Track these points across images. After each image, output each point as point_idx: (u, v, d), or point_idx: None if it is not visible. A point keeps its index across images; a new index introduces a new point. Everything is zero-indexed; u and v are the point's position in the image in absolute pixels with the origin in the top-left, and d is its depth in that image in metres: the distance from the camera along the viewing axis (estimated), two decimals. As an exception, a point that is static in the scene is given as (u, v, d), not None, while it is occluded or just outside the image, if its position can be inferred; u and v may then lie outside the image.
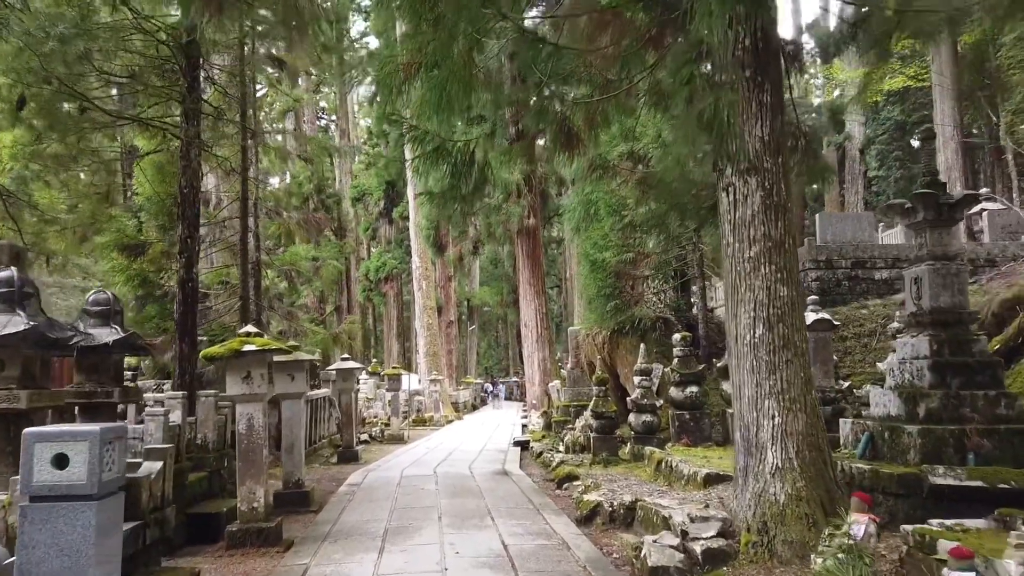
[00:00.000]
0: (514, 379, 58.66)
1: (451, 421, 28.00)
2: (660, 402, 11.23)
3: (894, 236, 16.14)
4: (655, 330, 12.94)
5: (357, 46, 51.54)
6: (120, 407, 7.26)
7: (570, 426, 13.70)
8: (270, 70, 13.03)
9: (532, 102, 7.58)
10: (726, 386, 11.20)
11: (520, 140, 25.64)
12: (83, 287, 21.24)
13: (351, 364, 14.38)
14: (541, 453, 13.41)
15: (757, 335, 5.89)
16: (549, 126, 7.49)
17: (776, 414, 5.80)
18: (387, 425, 22.22)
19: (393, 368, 20.88)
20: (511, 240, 30.33)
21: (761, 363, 5.88)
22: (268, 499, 6.88)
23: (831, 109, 11.24)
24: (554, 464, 11.83)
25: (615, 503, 7.58)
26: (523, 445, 16.35)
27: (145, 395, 9.46)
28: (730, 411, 11.45)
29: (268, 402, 10.45)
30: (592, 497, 8.01)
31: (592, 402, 11.50)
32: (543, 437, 15.38)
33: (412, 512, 8.15)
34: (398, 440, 19.35)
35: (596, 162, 13.15)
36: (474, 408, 40.31)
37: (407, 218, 34.05)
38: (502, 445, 16.93)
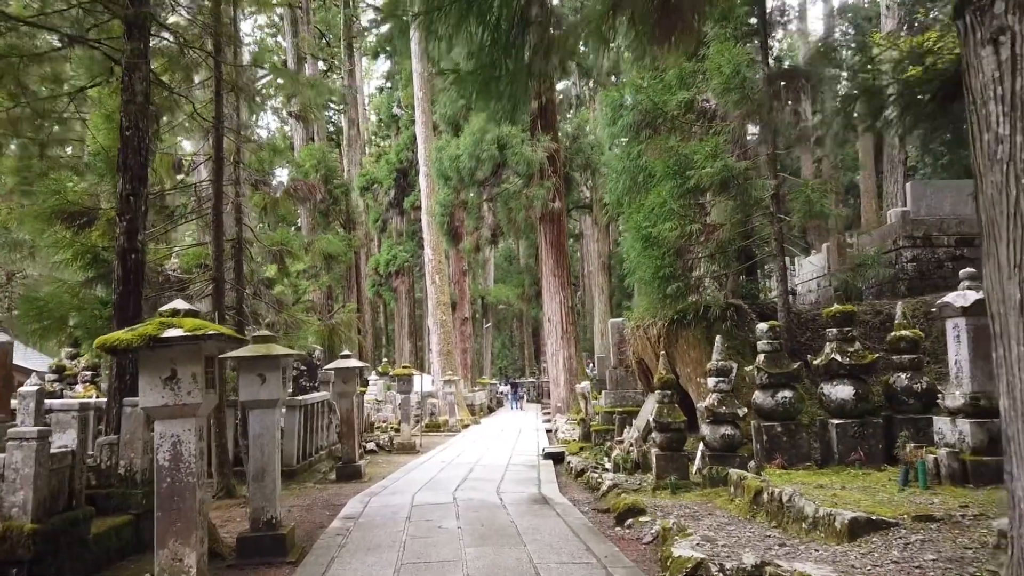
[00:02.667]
0: (531, 379, 56.28)
1: (467, 426, 25.59)
2: (743, 410, 8.73)
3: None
4: (724, 320, 10.44)
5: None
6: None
7: (617, 438, 11.25)
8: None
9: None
10: (829, 389, 8.71)
11: (544, 113, 23.23)
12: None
13: (352, 363, 11.98)
14: (583, 471, 10.95)
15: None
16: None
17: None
18: (396, 431, 19.83)
19: (403, 368, 18.49)
20: (533, 227, 27.91)
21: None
22: (203, 566, 4.44)
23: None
24: (604, 488, 9.36)
25: (728, 566, 5.08)
26: (555, 458, 13.90)
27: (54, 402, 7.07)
28: (834, 422, 8.97)
29: (218, 410, 8.12)
30: (685, 551, 5.52)
31: (654, 410, 9.02)
32: (581, 449, 12.92)
33: (426, 573, 5.72)
34: (409, 449, 16.95)
35: (650, 115, 10.69)
36: (490, 411, 37.87)
37: (419, 208, 31.68)
38: (530, 457, 14.48)
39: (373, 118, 54.07)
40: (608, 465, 10.90)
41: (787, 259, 13.77)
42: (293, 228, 35.59)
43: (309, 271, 37.07)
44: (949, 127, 5.45)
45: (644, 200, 11.87)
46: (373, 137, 54.92)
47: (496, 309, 59.64)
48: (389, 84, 44.75)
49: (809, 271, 16.73)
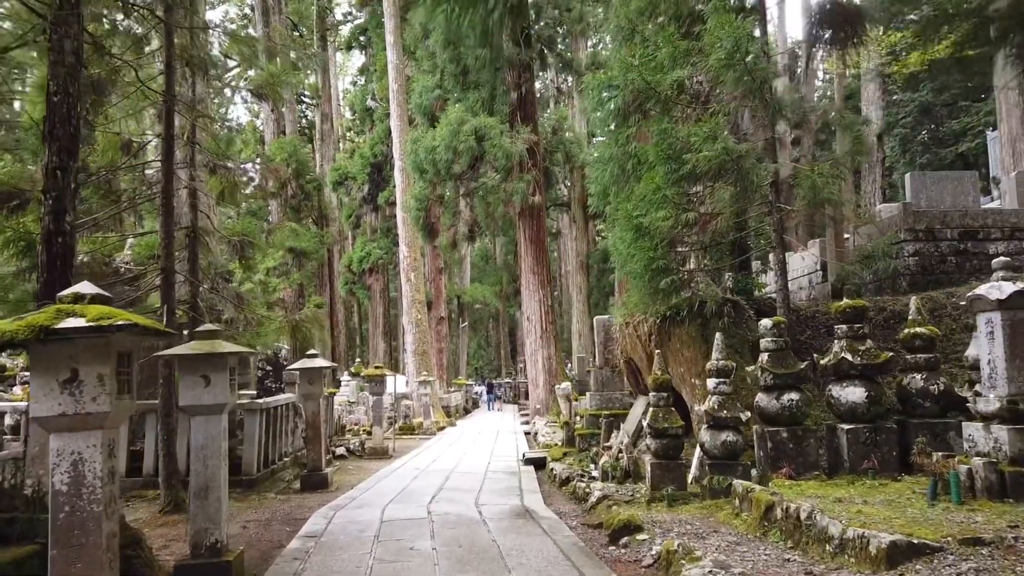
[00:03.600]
0: (507, 380, 55.51)
1: (443, 428, 24.70)
2: (746, 415, 7.97)
3: (1000, 201, 12.99)
4: (721, 316, 9.70)
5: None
6: None
7: (605, 444, 10.46)
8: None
9: None
10: (839, 390, 7.99)
11: (523, 105, 22.42)
12: None
13: (318, 362, 11.06)
14: (569, 480, 10.14)
15: None
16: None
17: None
18: (368, 434, 18.89)
19: (376, 368, 17.55)
20: (512, 223, 27.09)
21: None
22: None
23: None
24: (593, 499, 8.56)
25: (752, 602, 4.30)
26: (536, 464, 13.10)
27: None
28: (845, 427, 8.24)
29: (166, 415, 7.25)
30: (698, 581, 4.73)
31: (649, 414, 8.23)
32: (564, 455, 12.11)
33: (395, 607, 4.86)
34: (381, 454, 16.03)
35: (641, 95, 9.91)
36: (466, 412, 36.97)
37: (394, 203, 30.70)
38: (510, 462, 13.65)
39: (347, 115, 52.88)
40: (595, 473, 10.10)
41: (764, 260, 13.10)
42: (266, 224, 34.48)
43: (280, 268, 36.02)
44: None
45: (633, 189, 11.11)
46: (347, 133, 53.80)
47: (472, 308, 58.76)
48: (363, 78, 43.64)
49: (800, 267, 16.10)
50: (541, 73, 26.86)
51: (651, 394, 8.38)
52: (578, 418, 12.69)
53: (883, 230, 12.17)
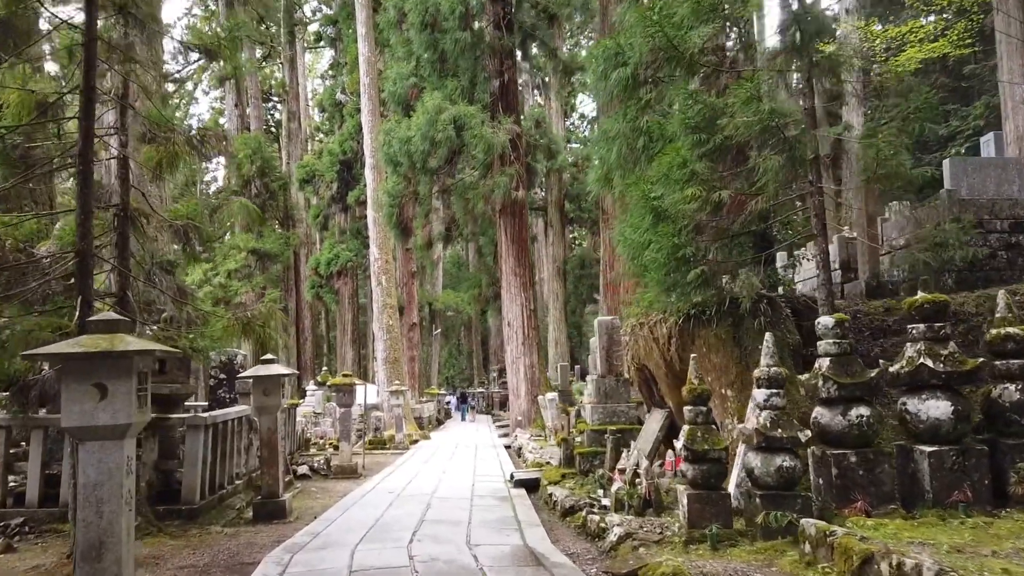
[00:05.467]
0: (480, 390, 53.83)
1: (416, 441, 22.91)
2: (806, 434, 6.43)
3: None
4: (756, 315, 8.19)
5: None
6: None
7: (616, 465, 8.87)
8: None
9: None
10: (916, 404, 6.51)
11: (505, 94, 20.90)
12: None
13: (275, 369, 9.33)
14: (574, 509, 8.53)
15: None
16: None
17: None
18: (336, 449, 17.10)
19: (344, 376, 15.78)
20: (491, 223, 25.51)
21: None
22: None
23: None
24: (613, 537, 6.95)
25: None
26: (528, 486, 11.48)
27: None
28: (925, 449, 6.71)
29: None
30: None
31: (684, 433, 6.65)
32: (563, 476, 10.49)
33: None
34: (349, 473, 14.26)
35: (661, 58, 8.41)
36: (439, 423, 35.16)
37: (364, 203, 28.91)
38: (496, 484, 12.01)
39: (316, 117, 50.86)
40: (606, 501, 8.51)
41: (792, 253, 11.70)
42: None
43: (242, 271, 33.91)
44: None
45: (644, 171, 9.61)
46: (316, 132, 51.71)
47: (444, 316, 56.93)
48: (332, 74, 41.77)
49: (808, 267, 14.75)
50: (524, 64, 25.33)
51: (686, 408, 6.81)
52: (577, 435, 11.09)
53: (920, 221, 10.82)
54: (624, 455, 9.31)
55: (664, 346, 8.89)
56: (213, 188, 49.56)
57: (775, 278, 9.54)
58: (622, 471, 8.51)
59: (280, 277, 40.38)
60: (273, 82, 48.35)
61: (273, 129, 50.20)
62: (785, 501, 6.38)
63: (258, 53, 46.33)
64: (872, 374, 6.61)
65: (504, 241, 22.22)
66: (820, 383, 6.65)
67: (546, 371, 22.97)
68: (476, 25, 20.60)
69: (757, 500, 6.44)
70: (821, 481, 6.66)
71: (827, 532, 5.37)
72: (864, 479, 6.42)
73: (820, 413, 6.69)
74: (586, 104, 58.19)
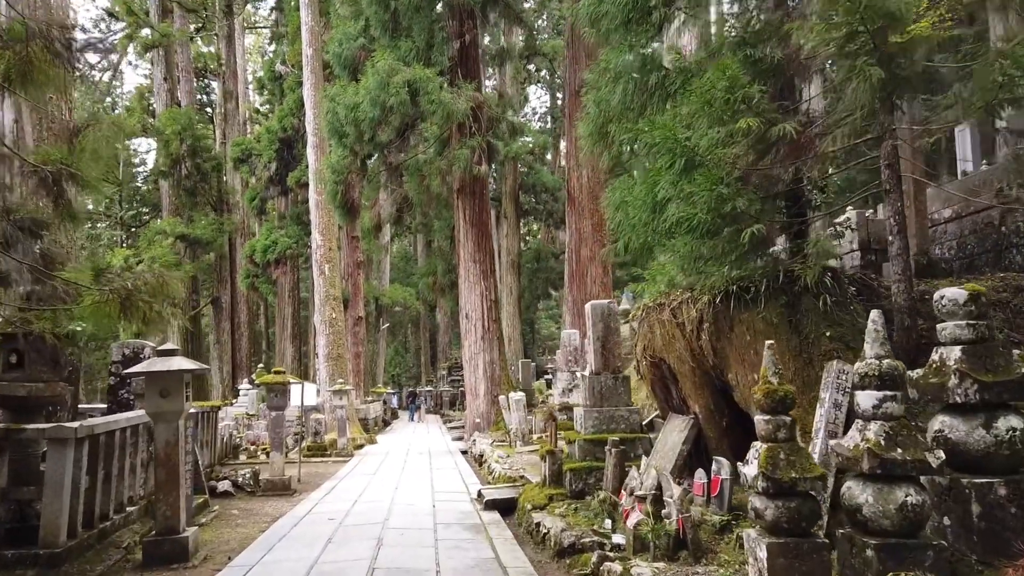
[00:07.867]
0: (428, 388, 51.40)
1: (361, 446, 20.50)
2: (939, 457, 4.43)
3: None
4: (819, 294, 6.21)
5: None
6: None
7: (638, 492, 6.76)
8: None
9: None
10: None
11: (465, 59, 18.67)
12: None
13: (175, 362, 6.95)
14: (575, 548, 6.42)
15: None
16: None
17: None
18: (267, 454, 14.62)
19: (276, 373, 13.32)
20: (447, 204, 23.21)
21: None
22: None
23: None
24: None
25: None
26: (501, 507, 9.35)
27: None
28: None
29: None
30: None
31: (762, 454, 4.59)
32: (550, 499, 8.33)
33: None
34: (281, 490, 11.85)
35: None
36: (386, 424, 32.68)
37: (306, 185, 26.20)
38: (461, 505, 9.82)
39: (256, 99, 47.54)
40: (618, 538, 6.40)
41: (832, 221, 9.80)
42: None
43: (169, 260, 30.83)
44: None
45: (659, 114, 7.56)
46: (256, 115, 48.31)
47: (392, 312, 54.27)
48: (273, 46, 38.77)
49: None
50: (484, 36, 23.10)
51: (760, 419, 4.75)
52: (569, 445, 8.96)
53: (975, 188, 9.06)
54: (633, 473, 7.24)
55: (692, 334, 6.84)
56: (143, 174, 45.79)
57: (825, 247, 7.57)
58: (641, 498, 6.42)
59: (214, 267, 37.25)
60: (208, 59, 44.90)
61: (208, 110, 46.74)
62: (908, 552, 4.37)
63: (191, 28, 42.88)
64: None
65: (462, 224, 19.97)
66: (952, 382, 4.67)
67: (507, 368, 20.82)
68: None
69: (868, 552, 4.42)
70: (950, 523, 4.69)
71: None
72: (1020, 521, 4.47)
73: (948, 425, 4.73)
74: (541, 97, 56.36)
